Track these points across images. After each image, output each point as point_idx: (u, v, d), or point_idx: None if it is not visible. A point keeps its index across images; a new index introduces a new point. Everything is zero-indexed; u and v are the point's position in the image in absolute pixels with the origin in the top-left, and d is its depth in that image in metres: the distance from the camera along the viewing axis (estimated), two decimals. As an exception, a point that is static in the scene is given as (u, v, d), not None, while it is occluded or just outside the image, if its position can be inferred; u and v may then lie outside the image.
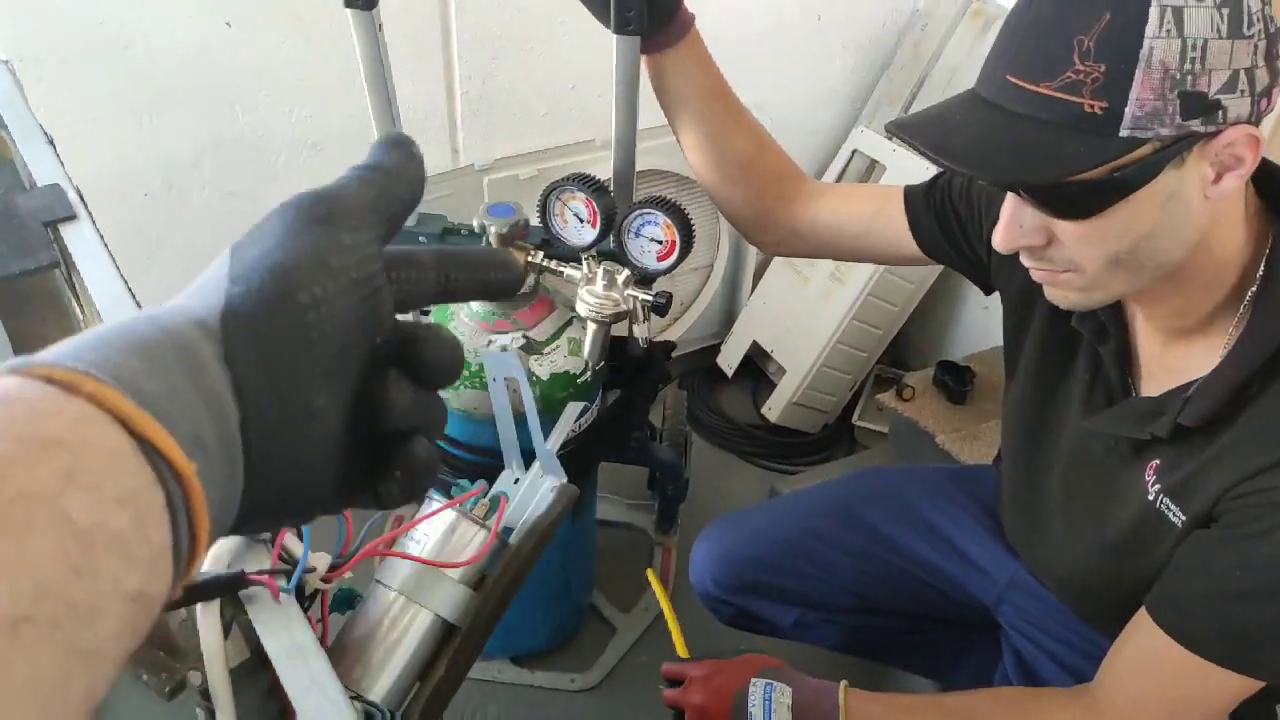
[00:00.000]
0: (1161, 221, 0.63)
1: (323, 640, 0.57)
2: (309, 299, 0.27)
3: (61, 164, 0.82)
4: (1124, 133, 0.59)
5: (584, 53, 1.52)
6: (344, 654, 0.59)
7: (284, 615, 0.53)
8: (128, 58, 1.21)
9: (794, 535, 1.12)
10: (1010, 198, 0.68)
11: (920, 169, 1.63)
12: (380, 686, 0.58)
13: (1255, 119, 0.61)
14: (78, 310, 0.78)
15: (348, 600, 0.63)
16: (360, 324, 0.28)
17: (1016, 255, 0.72)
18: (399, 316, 0.31)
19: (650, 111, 0.96)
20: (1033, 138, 0.61)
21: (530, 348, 1.04)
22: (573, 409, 0.84)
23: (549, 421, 0.78)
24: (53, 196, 0.77)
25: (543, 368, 1.04)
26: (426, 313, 1.03)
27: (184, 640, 0.55)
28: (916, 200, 0.94)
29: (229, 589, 0.53)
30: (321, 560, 0.58)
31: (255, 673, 0.55)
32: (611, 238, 1.00)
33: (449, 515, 0.63)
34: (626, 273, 0.97)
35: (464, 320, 1.06)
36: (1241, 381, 0.68)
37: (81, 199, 0.78)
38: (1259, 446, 0.66)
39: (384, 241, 0.31)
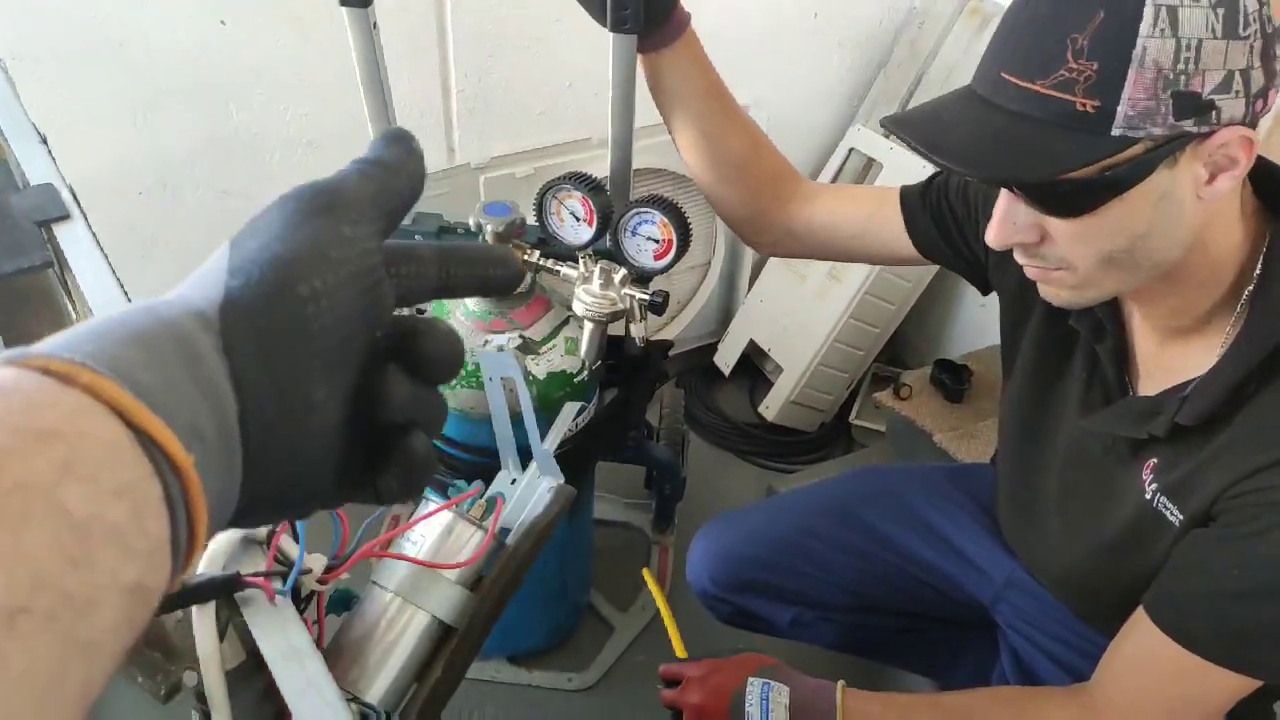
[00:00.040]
0: (1154, 221, 0.63)
1: (319, 642, 0.57)
2: (309, 291, 0.27)
3: (55, 163, 0.82)
4: (1116, 132, 0.59)
5: (580, 51, 1.52)
6: (340, 656, 0.59)
7: (280, 617, 0.53)
8: (123, 56, 1.20)
9: (791, 534, 1.12)
10: (1004, 194, 0.68)
11: (917, 167, 1.63)
12: (377, 688, 0.58)
13: (1250, 120, 0.60)
14: (71, 310, 0.78)
15: (344, 602, 0.63)
16: (360, 317, 0.28)
17: (1014, 253, 0.72)
18: (398, 311, 0.31)
19: (647, 110, 0.96)
20: (1025, 135, 0.61)
21: (527, 347, 1.04)
22: (570, 408, 0.84)
23: (546, 421, 0.78)
24: (46, 196, 0.77)
25: (539, 367, 1.04)
26: (423, 311, 1.03)
27: (179, 642, 0.54)
28: (912, 200, 0.94)
29: (224, 591, 0.53)
30: (317, 562, 0.58)
31: (251, 675, 0.55)
32: (608, 236, 1.00)
33: (446, 516, 0.63)
34: (623, 271, 0.97)
35: (460, 320, 1.05)
36: (1239, 381, 0.68)
37: (75, 198, 0.78)
38: (1257, 446, 0.66)
39: (384, 235, 0.30)
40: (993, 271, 0.93)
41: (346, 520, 0.60)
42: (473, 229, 1.02)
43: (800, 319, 1.87)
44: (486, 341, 1.03)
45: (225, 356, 0.25)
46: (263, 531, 0.57)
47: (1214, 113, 0.59)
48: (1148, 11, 0.57)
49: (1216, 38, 0.57)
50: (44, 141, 0.84)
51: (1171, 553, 0.73)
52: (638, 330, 1.00)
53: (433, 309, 1.08)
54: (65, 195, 0.77)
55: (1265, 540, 0.65)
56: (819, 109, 1.92)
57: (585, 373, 1.07)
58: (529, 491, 0.72)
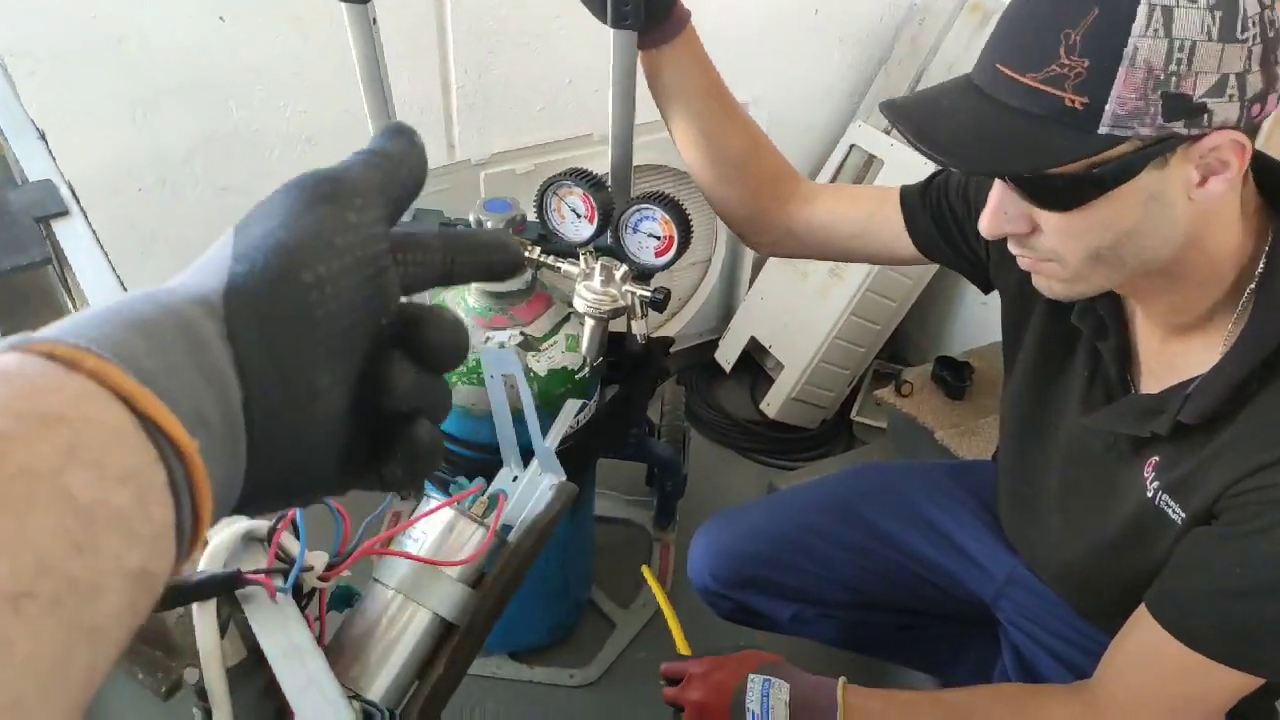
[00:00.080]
0: (1143, 220, 0.63)
1: (320, 639, 0.57)
2: (313, 278, 0.26)
3: (54, 159, 0.82)
4: (1103, 130, 0.59)
5: (580, 48, 1.51)
6: (342, 653, 0.59)
7: (281, 614, 0.53)
8: (122, 53, 1.20)
9: (792, 531, 1.12)
10: (998, 184, 0.69)
11: (918, 164, 1.62)
12: (378, 685, 0.58)
13: (1245, 124, 0.60)
14: (70, 306, 0.78)
15: (345, 599, 0.63)
16: (365, 304, 0.28)
17: (1007, 243, 0.72)
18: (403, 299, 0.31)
19: (647, 106, 0.96)
20: (1014, 129, 0.62)
21: (528, 344, 1.04)
22: (571, 406, 0.84)
23: (547, 418, 0.78)
24: (44, 192, 0.77)
25: (540, 364, 1.04)
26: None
27: (180, 639, 0.54)
28: (912, 200, 0.94)
29: (226, 588, 0.53)
30: (319, 558, 0.57)
31: (252, 672, 0.55)
32: (609, 233, 1.00)
33: (447, 513, 0.63)
34: (624, 268, 0.97)
35: (461, 316, 1.05)
36: (1241, 379, 0.67)
37: (74, 194, 0.78)
38: (1259, 444, 0.66)
39: (390, 223, 0.30)
40: (994, 270, 0.92)
41: (348, 517, 0.59)
42: (473, 225, 1.02)
43: (801, 316, 1.87)
44: (488, 338, 1.03)
45: (229, 343, 0.25)
46: (264, 529, 0.57)
47: (1205, 115, 0.58)
48: (1142, 11, 0.57)
49: (1212, 40, 0.57)
50: (43, 138, 0.84)
51: (1173, 551, 0.73)
52: (639, 327, 1.00)
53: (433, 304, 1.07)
54: (64, 191, 0.77)
55: (1268, 538, 0.65)
56: (819, 106, 1.92)
57: (586, 369, 1.07)
58: (530, 489, 0.72)
